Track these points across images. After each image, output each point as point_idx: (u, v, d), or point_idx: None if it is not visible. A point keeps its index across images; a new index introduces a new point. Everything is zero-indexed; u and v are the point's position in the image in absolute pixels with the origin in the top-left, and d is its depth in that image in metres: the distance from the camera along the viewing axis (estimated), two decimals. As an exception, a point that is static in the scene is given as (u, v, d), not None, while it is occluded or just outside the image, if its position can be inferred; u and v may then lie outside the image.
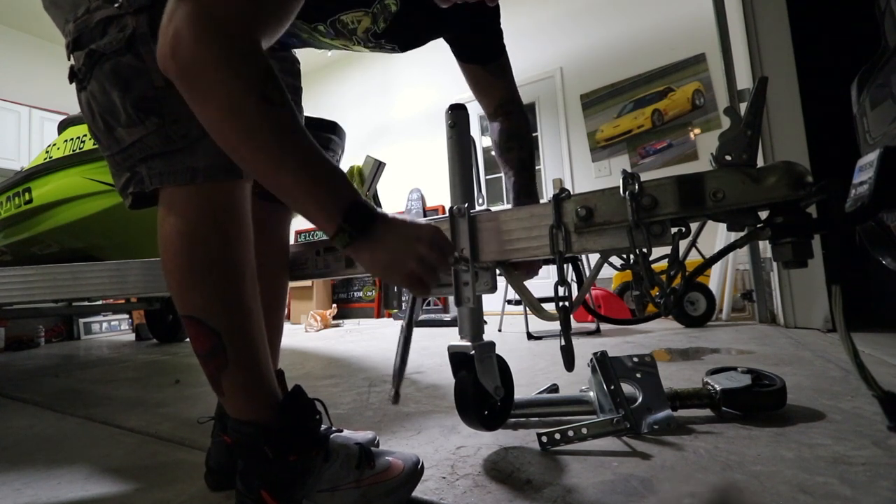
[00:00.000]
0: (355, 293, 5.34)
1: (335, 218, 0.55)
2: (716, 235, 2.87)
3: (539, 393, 1.15)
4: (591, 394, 1.00)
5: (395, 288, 0.84)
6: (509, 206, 1.00)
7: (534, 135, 4.56)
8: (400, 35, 0.93)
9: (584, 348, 1.92)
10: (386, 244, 0.58)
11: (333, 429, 0.74)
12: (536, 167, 4.52)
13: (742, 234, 0.72)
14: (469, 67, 1.04)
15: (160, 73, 0.57)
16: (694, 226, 0.78)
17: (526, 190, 1.03)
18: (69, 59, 0.66)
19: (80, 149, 1.95)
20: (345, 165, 2.10)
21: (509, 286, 1.38)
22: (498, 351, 0.87)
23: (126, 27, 0.59)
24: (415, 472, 0.70)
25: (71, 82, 0.66)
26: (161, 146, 0.60)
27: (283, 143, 0.52)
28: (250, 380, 0.64)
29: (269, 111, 0.50)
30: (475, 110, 4.97)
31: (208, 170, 0.60)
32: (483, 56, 1.02)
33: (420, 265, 0.60)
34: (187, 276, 0.61)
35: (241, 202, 0.65)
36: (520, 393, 1.04)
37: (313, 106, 2.95)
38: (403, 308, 0.87)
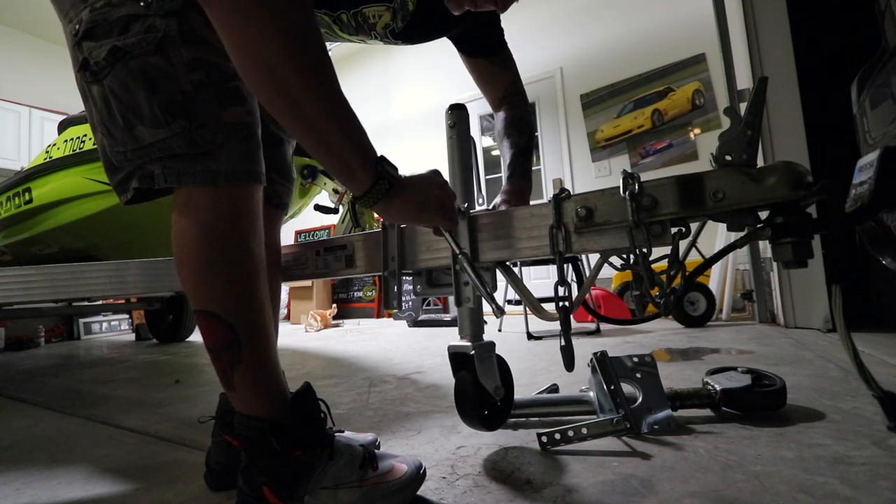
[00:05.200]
0: (355, 293, 5.34)
1: (370, 169, 0.60)
2: (716, 235, 2.87)
3: (539, 393, 1.15)
4: (591, 394, 1.00)
5: (395, 287, 0.84)
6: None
7: (534, 134, 4.57)
8: (413, 33, 0.96)
9: (584, 348, 1.93)
10: (412, 187, 0.65)
11: (335, 429, 0.74)
12: (536, 167, 4.53)
13: (742, 234, 0.72)
14: (475, 62, 1.07)
15: (188, 78, 0.59)
16: (694, 226, 0.78)
17: (520, 171, 1.05)
18: (76, 46, 0.62)
19: (80, 149, 1.94)
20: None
21: (509, 286, 1.39)
22: (498, 351, 0.87)
23: (155, 29, 0.59)
24: (417, 476, 0.70)
25: (79, 71, 0.63)
26: (184, 148, 0.61)
27: (337, 93, 0.56)
28: (262, 375, 0.65)
29: (328, 64, 0.55)
30: (475, 110, 4.98)
31: (229, 174, 0.62)
32: (488, 49, 1.06)
33: (444, 193, 0.70)
34: (204, 271, 0.62)
35: (256, 205, 0.67)
36: (520, 393, 1.03)
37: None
38: (404, 308, 0.87)
